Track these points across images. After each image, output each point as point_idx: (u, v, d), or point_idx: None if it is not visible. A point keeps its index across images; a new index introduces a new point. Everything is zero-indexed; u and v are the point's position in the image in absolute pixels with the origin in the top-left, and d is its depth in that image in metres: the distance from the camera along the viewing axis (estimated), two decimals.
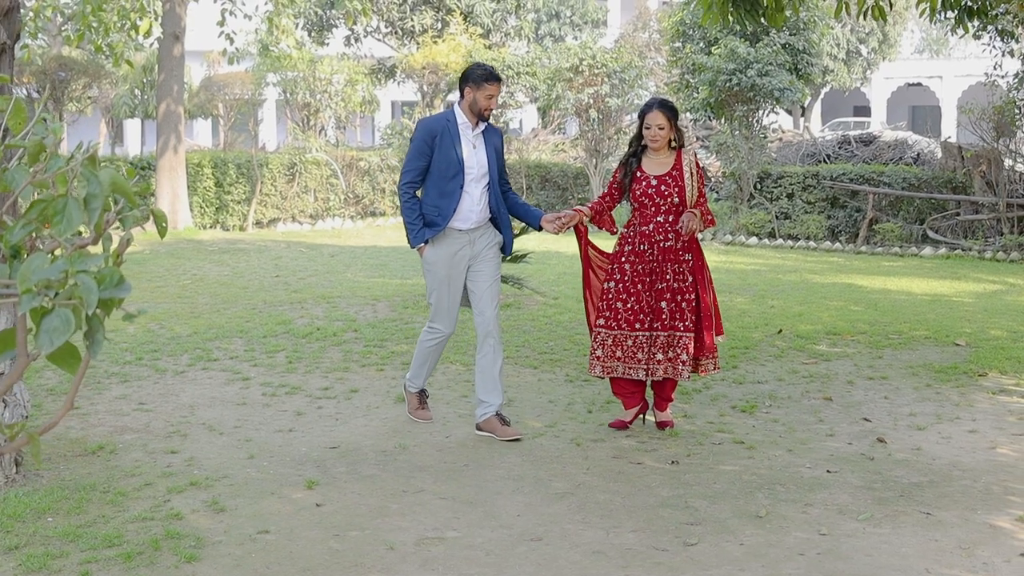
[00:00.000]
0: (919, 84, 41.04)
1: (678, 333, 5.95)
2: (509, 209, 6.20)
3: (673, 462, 5.53)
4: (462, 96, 6.04)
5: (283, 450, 5.69)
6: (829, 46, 33.63)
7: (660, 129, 5.97)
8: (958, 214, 16.39)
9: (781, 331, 9.14)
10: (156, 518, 4.61)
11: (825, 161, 20.14)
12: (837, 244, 16.93)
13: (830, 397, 6.95)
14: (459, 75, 6.52)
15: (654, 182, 6.00)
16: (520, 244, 8.96)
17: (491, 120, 6.20)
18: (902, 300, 11.19)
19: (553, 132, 25.29)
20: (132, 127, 33.79)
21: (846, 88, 37.78)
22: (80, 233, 1.77)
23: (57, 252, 1.76)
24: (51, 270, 1.63)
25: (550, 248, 15.58)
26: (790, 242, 17.24)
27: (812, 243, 17.05)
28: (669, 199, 5.98)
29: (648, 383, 6.13)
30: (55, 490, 4.91)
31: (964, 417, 6.49)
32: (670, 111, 6.02)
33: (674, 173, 6.01)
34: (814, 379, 7.46)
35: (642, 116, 6.06)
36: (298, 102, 21.71)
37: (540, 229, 6.21)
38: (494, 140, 6.13)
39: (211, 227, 19.11)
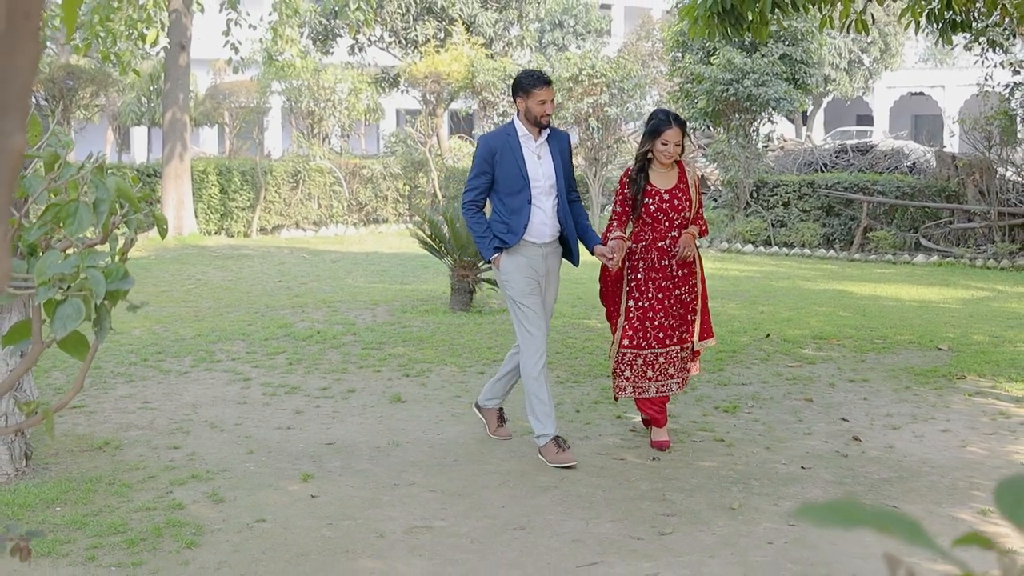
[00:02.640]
0: (921, 93, 41.22)
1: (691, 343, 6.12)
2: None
3: (654, 458, 5.77)
4: (517, 108, 5.84)
5: (281, 446, 5.93)
6: (831, 55, 33.86)
7: (677, 146, 5.91)
8: (951, 222, 16.60)
9: (769, 335, 9.36)
10: (159, 508, 4.86)
11: (822, 170, 20.36)
12: (832, 252, 17.13)
13: (811, 398, 7.18)
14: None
15: (666, 196, 5.97)
16: None
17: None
18: (890, 306, 11.41)
19: None
20: (139, 135, 34.08)
21: (848, 97, 38.00)
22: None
23: (69, 250, 2.01)
24: (64, 265, 1.89)
25: None
26: (785, 250, 17.44)
27: (807, 251, 17.25)
28: (682, 213, 5.99)
29: None
30: (63, 482, 5.16)
31: (939, 417, 6.71)
32: (683, 126, 5.95)
33: (681, 186, 6.02)
34: (797, 381, 7.69)
35: (658, 132, 5.86)
36: (302, 110, 21.98)
37: (593, 253, 5.87)
38: (560, 146, 5.87)
39: (216, 233, 19.38)
